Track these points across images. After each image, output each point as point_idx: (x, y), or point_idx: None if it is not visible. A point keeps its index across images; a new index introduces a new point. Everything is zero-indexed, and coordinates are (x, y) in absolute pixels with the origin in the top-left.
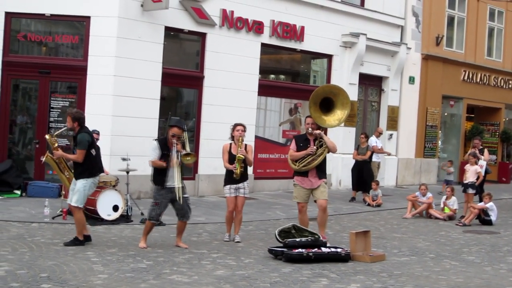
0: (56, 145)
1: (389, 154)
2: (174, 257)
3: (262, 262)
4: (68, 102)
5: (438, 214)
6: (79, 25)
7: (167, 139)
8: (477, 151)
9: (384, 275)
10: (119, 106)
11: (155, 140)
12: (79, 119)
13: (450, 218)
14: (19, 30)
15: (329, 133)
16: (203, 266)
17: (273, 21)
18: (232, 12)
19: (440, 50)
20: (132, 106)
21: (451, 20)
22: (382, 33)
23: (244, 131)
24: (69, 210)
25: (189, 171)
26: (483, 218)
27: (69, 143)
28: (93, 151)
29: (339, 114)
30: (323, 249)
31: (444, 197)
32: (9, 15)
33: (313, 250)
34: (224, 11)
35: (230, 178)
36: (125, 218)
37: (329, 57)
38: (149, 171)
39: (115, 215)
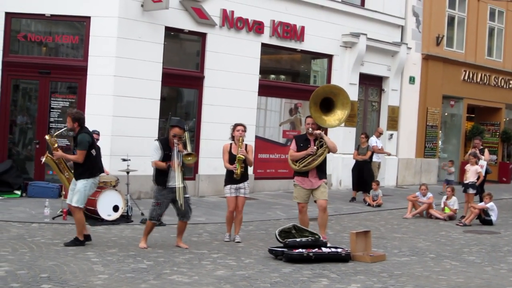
0: (56, 145)
1: (389, 154)
2: (175, 257)
3: (262, 262)
4: (68, 103)
5: (438, 214)
6: (79, 25)
7: (168, 139)
8: (477, 151)
9: (385, 275)
10: (119, 106)
11: (156, 140)
12: (79, 120)
13: (451, 218)
14: (19, 30)
15: (329, 133)
16: (203, 266)
17: (273, 21)
18: (232, 12)
19: (440, 50)
20: (132, 106)
21: (451, 20)
22: (383, 33)
23: (245, 131)
24: (69, 210)
25: (190, 171)
26: (484, 218)
27: (69, 143)
28: (93, 152)
29: (339, 114)
30: (324, 249)
31: (445, 197)
32: (9, 15)
33: (313, 250)
34: (224, 11)
35: (230, 178)
36: (125, 219)
37: (330, 57)
38: (149, 171)
39: (115, 215)
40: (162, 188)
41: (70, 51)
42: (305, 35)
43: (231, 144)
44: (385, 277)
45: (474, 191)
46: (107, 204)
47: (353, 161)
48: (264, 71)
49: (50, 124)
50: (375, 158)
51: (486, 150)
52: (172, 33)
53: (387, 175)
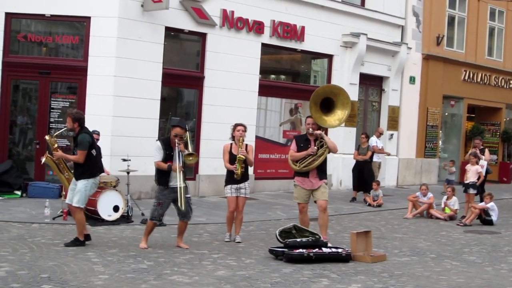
0: (56, 145)
1: (388, 154)
2: (175, 258)
3: (263, 262)
4: (68, 103)
5: (439, 214)
6: (79, 25)
7: (169, 139)
8: (478, 151)
9: (385, 275)
10: (120, 106)
11: (158, 140)
12: (80, 120)
13: (451, 218)
14: (19, 31)
15: (329, 133)
16: (204, 267)
17: (274, 21)
18: (233, 12)
19: (440, 50)
20: (132, 107)
21: (451, 20)
22: (383, 33)
23: (245, 131)
24: (68, 210)
25: (190, 171)
26: (484, 218)
27: (69, 143)
28: (94, 152)
29: (339, 114)
30: (324, 250)
31: (445, 197)
32: (9, 16)
33: (314, 251)
34: (224, 11)
35: (231, 179)
36: (125, 219)
37: (330, 57)
38: (149, 171)
39: (116, 216)
40: (164, 188)
41: (70, 51)
42: (305, 35)
43: (231, 144)
44: (386, 277)
45: (475, 191)
46: (108, 205)
47: (354, 161)
48: (264, 71)
49: (50, 124)
50: (375, 158)
51: (486, 150)
52: (172, 33)
53: (388, 175)
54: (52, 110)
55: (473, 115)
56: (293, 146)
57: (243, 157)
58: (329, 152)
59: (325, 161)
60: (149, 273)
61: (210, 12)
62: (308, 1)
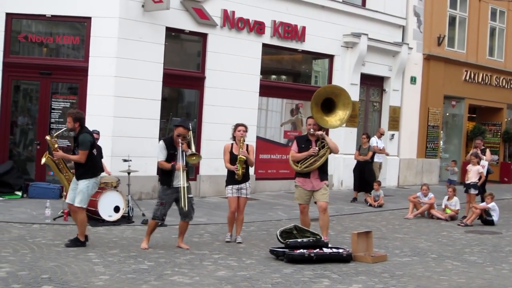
0: (56, 145)
1: (387, 155)
2: (176, 258)
3: (263, 262)
4: (69, 103)
5: (440, 215)
6: (80, 26)
7: (172, 139)
8: (479, 151)
9: (386, 275)
10: (120, 107)
11: (162, 140)
12: (81, 120)
13: (452, 218)
14: (20, 31)
15: (330, 134)
16: (204, 267)
17: (274, 21)
18: (233, 12)
19: (441, 50)
20: (133, 107)
21: (452, 20)
22: (384, 33)
23: (246, 131)
24: (69, 210)
25: (191, 172)
26: (485, 218)
27: (69, 144)
28: (94, 151)
29: (340, 114)
30: (325, 250)
31: (446, 197)
32: (9, 16)
33: (314, 251)
34: (225, 11)
35: (231, 179)
36: (126, 219)
37: (331, 57)
38: (150, 172)
39: (116, 216)
40: (167, 187)
41: (71, 51)
42: (306, 35)
43: (232, 144)
44: (387, 278)
45: (476, 192)
46: (108, 205)
47: (355, 162)
48: (265, 71)
49: (51, 125)
50: (376, 159)
51: (487, 150)
52: (173, 34)
53: (389, 176)
54: (52, 111)
55: (474, 115)
56: (294, 146)
57: (244, 157)
58: (330, 153)
59: (326, 161)
60: (149, 273)
61: (211, 13)
62: (309, 1)
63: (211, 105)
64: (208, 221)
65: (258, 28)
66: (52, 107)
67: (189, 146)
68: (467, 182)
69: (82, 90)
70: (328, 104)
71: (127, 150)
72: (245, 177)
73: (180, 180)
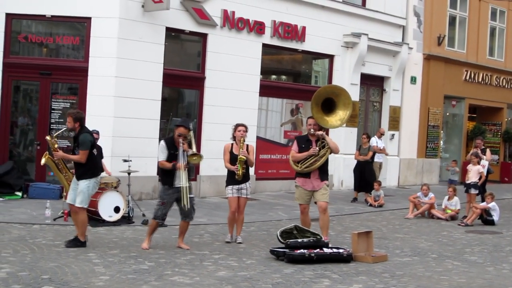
0: (56, 146)
1: (386, 154)
2: (176, 258)
3: (264, 263)
4: (69, 104)
5: (440, 214)
6: (80, 26)
7: (173, 139)
8: (479, 151)
9: (386, 275)
10: (120, 107)
11: (162, 140)
12: (81, 119)
13: (452, 218)
14: (19, 32)
15: (330, 134)
16: (205, 267)
17: (274, 21)
18: (233, 12)
19: (442, 50)
20: (133, 107)
21: (452, 20)
22: (384, 33)
23: (246, 131)
24: (69, 211)
25: (191, 172)
26: (486, 218)
27: (69, 144)
28: (95, 151)
29: (341, 114)
30: (325, 250)
31: (446, 197)
32: (9, 16)
33: (315, 251)
34: (225, 11)
35: (232, 179)
36: (126, 220)
37: (331, 57)
38: (150, 172)
39: (117, 217)
40: (168, 187)
41: (70, 52)
42: (306, 35)
43: (232, 144)
44: (387, 278)
45: (476, 191)
46: (108, 205)
47: (355, 162)
48: (265, 71)
49: (51, 125)
50: (376, 159)
51: (487, 150)
52: (173, 34)
53: (389, 175)
54: (52, 111)
55: (475, 115)
56: (295, 147)
57: (244, 158)
58: (330, 153)
59: (326, 161)
60: (150, 274)
61: (211, 13)
62: (309, 1)
63: (211, 105)
64: (208, 221)
65: (258, 28)
66: (52, 107)
67: (190, 146)
68: (468, 182)
69: (82, 90)
70: (329, 104)
71: (127, 151)
72: (245, 177)
73: (182, 180)
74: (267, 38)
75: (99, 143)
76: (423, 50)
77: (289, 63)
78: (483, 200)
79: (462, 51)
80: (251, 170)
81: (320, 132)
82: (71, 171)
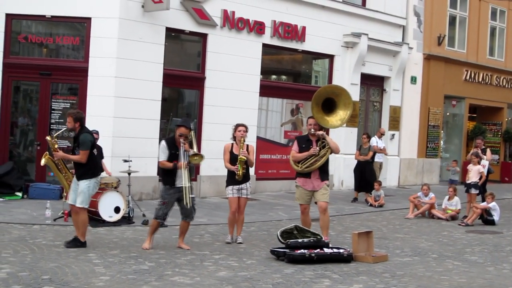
0: (56, 146)
1: (386, 154)
2: (176, 259)
3: (264, 263)
4: (69, 104)
5: (440, 214)
6: (80, 26)
7: (174, 139)
8: (479, 151)
9: (387, 275)
10: (120, 107)
11: (163, 140)
12: (81, 119)
13: (453, 218)
14: (19, 32)
15: (330, 134)
16: (205, 268)
17: (274, 21)
18: (233, 12)
19: (442, 49)
20: (133, 107)
21: (453, 19)
22: (384, 33)
23: (246, 131)
24: (69, 211)
25: (191, 172)
26: (486, 218)
27: (70, 144)
28: (95, 151)
29: (341, 114)
30: (326, 250)
31: (446, 197)
32: (9, 17)
33: (315, 251)
34: (225, 11)
35: (232, 179)
36: (126, 220)
37: (331, 57)
38: (150, 172)
39: (117, 217)
40: (169, 187)
41: (70, 52)
42: (306, 35)
43: (232, 144)
44: (387, 278)
45: (477, 191)
46: (109, 206)
47: (355, 162)
48: (265, 71)
49: (51, 125)
50: (377, 159)
51: (488, 150)
52: (173, 34)
53: (389, 175)
54: (53, 111)
55: (475, 115)
56: (295, 147)
57: (245, 158)
58: (331, 153)
59: (327, 161)
60: (150, 274)
61: (211, 13)
62: (309, 1)
63: (211, 105)
64: (209, 221)
65: (258, 28)
66: (52, 107)
67: (191, 146)
68: (468, 182)
69: (82, 90)
70: (329, 104)
71: (127, 151)
72: (246, 177)
73: (183, 180)
74: (267, 38)
75: (98, 143)
76: (423, 50)
77: (289, 63)
78: (483, 200)
79: (462, 51)
80: (251, 170)
81: (320, 132)
82: (70, 171)
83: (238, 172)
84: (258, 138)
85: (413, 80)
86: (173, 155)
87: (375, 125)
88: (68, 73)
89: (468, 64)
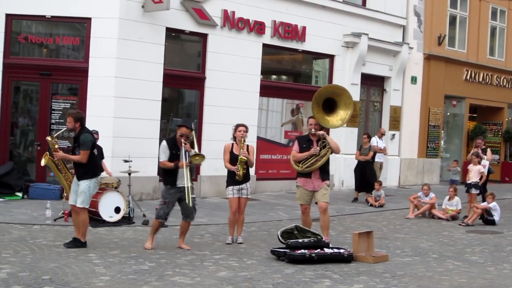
0: (57, 146)
1: (385, 154)
2: (177, 259)
3: (264, 263)
4: (69, 104)
5: (441, 214)
6: (80, 26)
7: (175, 139)
8: (480, 151)
9: (387, 275)
10: (121, 107)
11: (164, 140)
12: (81, 119)
13: (453, 218)
14: (20, 32)
15: (331, 134)
16: (205, 268)
17: (275, 21)
18: (233, 12)
19: (442, 49)
20: (133, 108)
21: (453, 19)
22: (384, 33)
23: (246, 131)
24: (69, 211)
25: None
26: (486, 218)
27: (70, 145)
28: (95, 151)
29: (342, 114)
30: (326, 250)
31: (447, 197)
32: (9, 17)
33: (315, 251)
34: (225, 11)
35: (232, 180)
36: (127, 220)
37: (331, 57)
38: (150, 172)
39: (117, 217)
40: (171, 187)
41: (71, 52)
42: (307, 35)
43: (232, 144)
44: (388, 278)
45: (477, 191)
46: (109, 206)
47: (355, 162)
48: (265, 71)
49: (51, 125)
50: (377, 159)
51: (488, 150)
52: (173, 34)
53: (390, 175)
54: (53, 112)
55: (475, 115)
56: (296, 146)
57: (245, 158)
58: (331, 153)
59: (327, 161)
60: (150, 274)
61: (211, 13)
62: (309, 1)
63: (212, 106)
64: (209, 221)
65: (258, 28)
66: (52, 108)
67: (192, 146)
68: (468, 182)
69: (82, 91)
70: (330, 104)
71: (127, 151)
72: (246, 178)
73: (184, 180)
74: (267, 38)
75: (98, 143)
76: (424, 50)
77: (289, 63)
78: (484, 200)
79: (463, 51)
80: (252, 170)
81: (321, 132)
82: (70, 171)
83: (239, 173)
84: (259, 138)
85: (414, 80)
86: (174, 155)
87: (375, 125)
88: (68, 73)
89: (469, 64)
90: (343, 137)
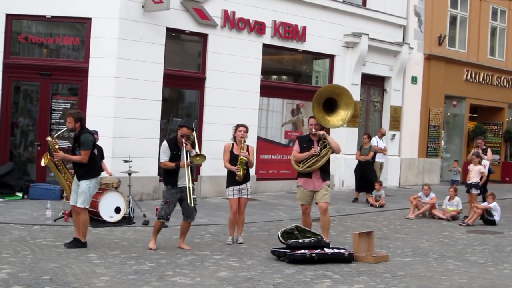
0: (57, 146)
1: (385, 154)
2: (177, 259)
3: (265, 263)
4: (69, 104)
5: (441, 215)
6: (80, 26)
7: (176, 139)
8: (480, 151)
9: (388, 275)
10: (121, 107)
11: (165, 140)
12: (81, 119)
13: (454, 218)
14: (20, 32)
15: (331, 134)
16: (205, 268)
17: (275, 21)
18: (234, 12)
19: (442, 49)
20: (133, 108)
21: (453, 19)
22: (384, 33)
23: (246, 132)
24: (70, 212)
25: (192, 172)
26: (487, 218)
27: (70, 145)
28: (95, 151)
29: (342, 114)
30: (326, 250)
31: (447, 198)
32: (10, 17)
33: (316, 251)
34: (225, 11)
35: (232, 180)
36: (127, 220)
37: (331, 57)
38: (151, 172)
39: (117, 217)
40: (172, 187)
41: (71, 52)
42: (307, 36)
43: (232, 144)
44: (388, 278)
45: (477, 191)
46: (109, 206)
47: (356, 162)
48: (265, 71)
49: (52, 126)
50: (377, 159)
51: (489, 150)
52: (173, 34)
53: (390, 176)
54: (53, 112)
55: (475, 115)
56: (296, 147)
57: (245, 159)
58: (332, 153)
59: (328, 161)
60: (151, 274)
61: (211, 13)
62: (309, 1)
63: (212, 106)
64: (209, 222)
65: (258, 28)
66: (53, 108)
67: (193, 146)
68: (469, 182)
69: (82, 91)
70: (330, 104)
71: (127, 151)
72: (246, 178)
73: (185, 179)
74: (268, 38)
75: (98, 143)
76: (424, 50)
77: (289, 63)
78: (484, 200)
79: (463, 51)
80: (252, 171)
81: (321, 132)
82: (70, 171)
83: (239, 173)
84: (259, 138)
85: (414, 80)
86: (175, 156)
87: (375, 125)
88: (68, 74)
89: (469, 64)
90: (344, 137)
